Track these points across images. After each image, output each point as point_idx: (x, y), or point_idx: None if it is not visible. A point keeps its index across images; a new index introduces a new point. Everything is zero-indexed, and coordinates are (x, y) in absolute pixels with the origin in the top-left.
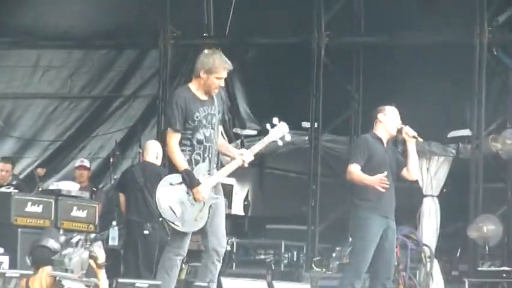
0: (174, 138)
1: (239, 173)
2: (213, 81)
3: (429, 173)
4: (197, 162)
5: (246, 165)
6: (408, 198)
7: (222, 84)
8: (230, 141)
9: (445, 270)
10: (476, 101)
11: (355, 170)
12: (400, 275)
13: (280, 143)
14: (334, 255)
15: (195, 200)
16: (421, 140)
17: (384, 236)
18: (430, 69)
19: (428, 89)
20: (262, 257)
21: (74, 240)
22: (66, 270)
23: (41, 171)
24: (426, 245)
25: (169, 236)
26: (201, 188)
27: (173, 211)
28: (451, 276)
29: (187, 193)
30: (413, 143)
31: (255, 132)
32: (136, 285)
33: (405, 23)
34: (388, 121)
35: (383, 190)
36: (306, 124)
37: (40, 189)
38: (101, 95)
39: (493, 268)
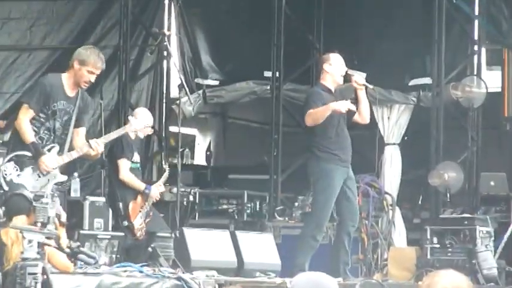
0: (27, 114)
1: (201, 124)
2: (84, 73)
3: (390, 121)
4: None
5: (98, 154)
6: (370, 146)
7: (92, 80)
8: (192, 92)
9: (407, 217)
10: (436, 49)
11: (312, 111)
12: (363, 223)
13: (141, 135)
14: (296, 204)
15: (40, 172)
16: (371, 86)
17: (345, 185)
18: (390, 18)
19: (389, 38)
20: (225, 207)
21: (48, 191)
22: (48, 218)
23: (1, 123)
24: (388, 193)
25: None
26: (45, 159)
27: (15, 183)
28: (413, 224)
29: (32, 168)
30: (364, 90)
31: (216, 82)
32: (99, 236)
33: None
34: (335, 70)
35: (343, 110)
36: (267, 73)
37: (1, 141)
38: (61, 46)
39: (454, 215)
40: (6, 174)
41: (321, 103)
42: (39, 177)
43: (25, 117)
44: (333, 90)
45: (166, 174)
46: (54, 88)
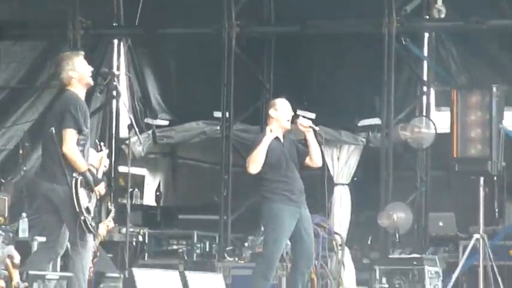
0: (75, 139)
1: (151, 164)
2: (83, 69)
3: (340, 161)
4: None
5: None
6: (321, 186)
7: (91, 68)
8: (141, 132)
9: (356, 258)
10: (385, 90)
11: (249, 156)
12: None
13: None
14: (246, 244)
15: (98, 195)
16: (317, 128)
17: (299, 226)
18: (340, 58)
19: (338, 78)
20: (175, 247)
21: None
22: None
23: None
24: (337, 234)
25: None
26: (103, 184)
27: (89, 212)
28: (362, 264)
29: (88, 195)
30: (311, 132)
31: (166, 123)
32: (47, 277)
33: (316, 13)
34: (281, 115)
35: (272, 135)
36: (217, 114)
37: None
38: (8, 86)
39: (403, 256)
40: (81, 202)
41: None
42: (93, 203)
43: (74, 143)
44: (280, 135)
45: (112, 214)
46: (87, 107)
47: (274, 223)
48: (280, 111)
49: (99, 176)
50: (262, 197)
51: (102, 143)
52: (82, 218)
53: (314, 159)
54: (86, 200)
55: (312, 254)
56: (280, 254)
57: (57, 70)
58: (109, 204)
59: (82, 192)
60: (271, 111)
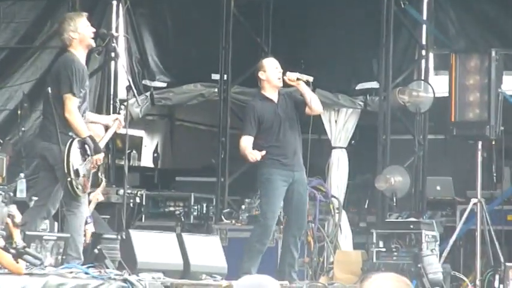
0: (75, 104)
1: (149, 125)
2: (85, 30)
3: (337, 125)
4: None
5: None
6: (317, 150)
7: (93, 29)
8: (139, 94)
9: (353, 221)
10: (383, 53)
11: (244, 144)
12: (309, 226)
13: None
14: (243, 207)
15: (94, 164)
16: (305, 77)
17: (291, 189)
18: (338, 21)
19: (336, 41)
20: (172, 209)
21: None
22: None
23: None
24: (335, 197)
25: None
26: (102, 155)
27: (78, 175)
28: (359, 228)
29: (83, 159)
30: (302, 84)
31: (164, 84)
32: (44, 237)
33: None
34: (270, 75)
35: (251, 160)
36: (215, 76)
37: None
38: (7, 46)
39: (400, 219)
40: (73, 163)
41: (254, 121)
42: (88, 169)
43: (75, 108)
44: (272, 97)
45: (103, 184)
46: (84, 67)
47: (266, 188)
48: (269, 71)
49: (110, 134)
50: (258, 161)
51: (122, 106)
52: (68, 179)
53: (313, 107)
54: (77, 163)
55: (304, 216)
56: (275, 219)
57: (59, 30)
58: (99, 174)
59: (76, 154)
60: (260, 74)
